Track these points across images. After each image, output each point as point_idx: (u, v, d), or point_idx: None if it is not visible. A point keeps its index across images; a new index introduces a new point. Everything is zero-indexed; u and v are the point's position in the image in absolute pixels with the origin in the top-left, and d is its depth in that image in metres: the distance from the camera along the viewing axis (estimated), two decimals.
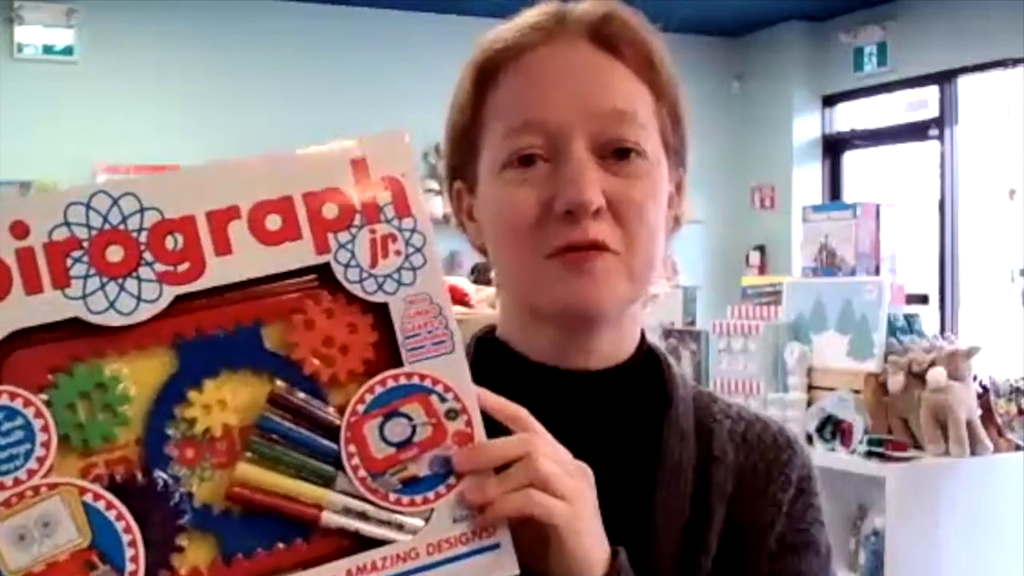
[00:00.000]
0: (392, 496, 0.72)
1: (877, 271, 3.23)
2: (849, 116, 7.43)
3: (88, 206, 0.70)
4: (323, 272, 0.73)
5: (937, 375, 2.73)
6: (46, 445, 0.68)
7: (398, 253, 0.74)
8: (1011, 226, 6.13)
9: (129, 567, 0.68)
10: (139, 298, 0.70)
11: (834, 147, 7.48)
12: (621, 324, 0.92)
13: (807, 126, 7.45)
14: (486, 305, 3.49)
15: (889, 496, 2.70)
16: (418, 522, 0.72)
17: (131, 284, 0.70)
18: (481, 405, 0.75)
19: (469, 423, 0.74)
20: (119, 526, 0.68)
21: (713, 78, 7.40)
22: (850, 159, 7.46)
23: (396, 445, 0.73)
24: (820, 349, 3.07)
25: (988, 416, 2.85)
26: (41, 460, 0.68)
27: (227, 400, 0.71)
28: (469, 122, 0.91)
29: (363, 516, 0.72)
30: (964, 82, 6.54)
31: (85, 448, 0.69)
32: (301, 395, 0.72)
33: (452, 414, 0.74)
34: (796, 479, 0.93)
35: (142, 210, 0.71)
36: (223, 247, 0.71)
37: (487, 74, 0.90)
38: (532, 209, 0.85)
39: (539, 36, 0.89)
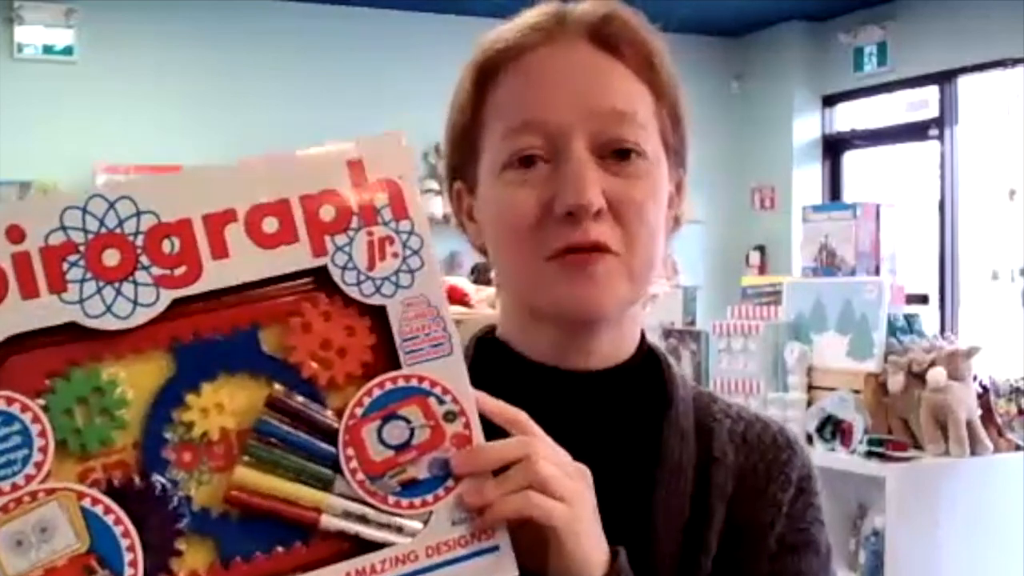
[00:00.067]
0: (391, 499, 0.72)
1: (877, 271, 3.22)
2: (849, 116, 7.43)
3: (84, 210, 0.70)
4: (320, 275, 0.73)
5: (937, 375, 2.73)
6: (43, 450, 0.68)
7: (395, 255, 0.74)
8: (1011, 226, 6.13)
9: (128, 571, 0.68)
10: (136, 302, 0.70)
11: (834, 147, 7.48)
12: (621, 324, 0.92)
13: (807, 126, 7.45)
14: (486, 305, 3.50)
15: (889, 496, 2.70)
16: (417, 525, 0.72)
17: (128, 288, 0.70)
18: (479, 409, 0.75)
19: (467, 425, 0.74)
20: (117, 530, 0.68)
21: (713, 78, 7.40)
22: (850, 159, 7.46)
23: (395, 448, 0.73)
24: (820, 349, 3.07)
25: (988, 416, 2.85)
26: (39, 465, 0.68)
27: (225, 404, 0.71)
28: (469, 122, 0.91)
29: (362, 519, 0.72)
30: (964, 82, 6.54)
31: (83, 453, 0.69)
32: (299, 398, 0.72)
33: (450, 416, 0.74)
34: (796, 479, 0.93)
35: (138, 214, 0.71)
36: (220, 250, 0.71)
37: (487, 74, 0.90)
38: (532, 210, 0.85)
39: (539, 36, 0.88)
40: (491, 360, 0.92)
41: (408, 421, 0.73)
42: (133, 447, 0.70)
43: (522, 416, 0.76)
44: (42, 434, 0.68)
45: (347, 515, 0.71)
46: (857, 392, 2.88)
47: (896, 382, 2.79)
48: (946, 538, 2.73)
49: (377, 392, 0.73)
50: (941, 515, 2.73)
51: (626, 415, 0.92)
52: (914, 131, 6.90)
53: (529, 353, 0.92)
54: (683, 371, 0.98)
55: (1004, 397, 2.90)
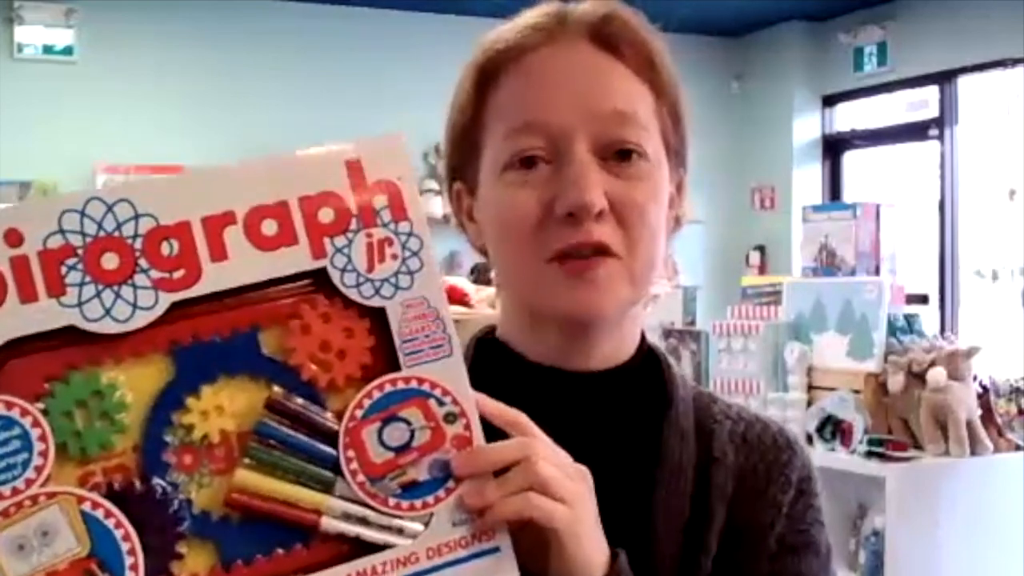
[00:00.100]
0: (391, 501, 0.72)
1: (877, 271, 3.22)
2: (849, 116, 7.43)
3: (83, 213, 0.70)
4: (320, 277, 0.73)
5: (937, 375, 2.73)
6: (44, 454, 0.68)
7: (395, 257, 0.74)
8: (1011, 226, 6.13)
9: (128, 575, 0.68)
10: (135, 305, 0.70)
11: (834, 147, 7.48)
12: (622, 325, 0.92)
13: (807, 126, 7.44)
14: (486, 305, 3.50)
15: (889, 496, 2.71)
16: (418, 526, 0.72)
17: (127, 291, 0.70)
18: (479, 410, 0.74)
19: (468, 427, 0.74)
20: (118, 534, 0.68)
21: (713, 78, 7.40)
22: (850, 159, 7.46)
23: (395, 450, 0.73)
24: (820, 349, 3.07)
25: (988, 416, 2.85)
26: (39, 469, 0.68)
27: (225, 406, 0.71)
28: (469, 123, 0.91)
29: (363, 521, 0.72)
30: (964, 82, 6.54)
31: (83, 456, 0.69)
32: (299, 400, 0.72)
33: (451, 418, 0.74)
34: (796, 480, 0.93)
35: (137, 216, 0.71)
36: (219, 253, 0.71)
37: (488, 75, 0.89)
38: (533, 211, 0.85)
39: (540, 37, 0.88)
40: (491, 361, 0.92)
41: (408, 423, 0.73)
42: (133, 450, 0.69)
43: (521, 417, 0.76)
44: (42, 438, 0.68)
45: (348, 517, 0.71)
46: (857, 392, 2.88)
47: (896, 382, 2.80)
48: (946, 538, 2.73)
49: (377, 394, 0.73)
50: (941, 515, 2.73)
51: (626, 416, 0.92)
52: (914, 131, 6.90)
53: (529, 354, 0.92)
54: (683, 371, 0.98)
55: (1004, 397, 2.90)
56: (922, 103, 6.84)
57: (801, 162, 7.41)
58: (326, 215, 0.73)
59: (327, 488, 0.72)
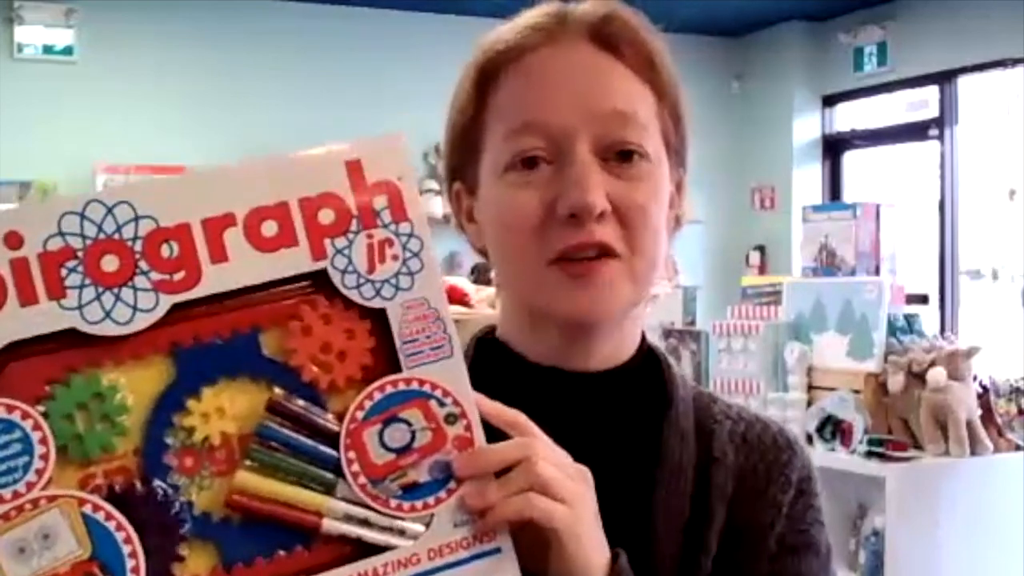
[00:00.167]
0: (393, 502, 0.72)
1: (877, 271, 3.22)
2: (849, 116, 7.43)
3: (82, 215, 0.70)
4: (320, 278, 0.73)
5: (937, 375, 2.73)
6: (44, 457, 0.68)
7: (395, 258, 0.74)
8: (1011, 226, 6.12)
9: None
10: (135, 307, 0.70)
11: (834, 147, 7.48)
12: (622, 326, 0.92)
13: (807, 126, 7.44)
14: (486, 305, 3.50)
15: (889, 496, 2.70)
16: (419, 527, 0.72)
17: (127, 293, 0.70)
18: (479, 411, 0.74)
19: (468, 428, 0.74)
20: (119, 536, 0.68)
21: (713, 78, 7.40)
22: (850, 159, 7.46)
23: (396, 451, 0.72)
24: (820, 349, 3.07)
25: (988, 416, 2.85)
26: (40, 472, 0.68)
27: (225, 408, 0.71)
28: (469, 123, 0.91)
29: (364, 522, 0.72)
30: (964, 82, 6.54)
31: (84, 459, 0.69)
32: (300, 402, 0.72)
33: (451, 419, 0.73)
34: (796, 480, 0.92)
35: (137, 218, 0.70)
36: (219, 255, 0.71)
37: (488, 75, 0.89)
38: (535, 211, 0.85)
39: (540, 37, 0.88)
40: (491, 361, 0.92)
41: (409, 424, 0.73)
42: (134, 453, 0.69)
43: (521, 418, 0.76)
44: (43, 441, 0.68)
45: (349, 518, 0.71)
46: (857, 392, 2.88)
47: (896, 382, 2.79)
48: (946, 538, 2.73)
49: (378, 395, 0.73)
50: (941, 515, 2.73)
51: (626, 416, 0.92)
52: (914, 131, 6.90)
53: (529, 354, 0.92)
54: (683, 371, 0.98)
55: (1004, 397, 2.90)
56: (922, 103, 6.84)
57: (801, 162, 7.41)
58: (326, 216, 0.73)
59: (328, 490, 0.72)
